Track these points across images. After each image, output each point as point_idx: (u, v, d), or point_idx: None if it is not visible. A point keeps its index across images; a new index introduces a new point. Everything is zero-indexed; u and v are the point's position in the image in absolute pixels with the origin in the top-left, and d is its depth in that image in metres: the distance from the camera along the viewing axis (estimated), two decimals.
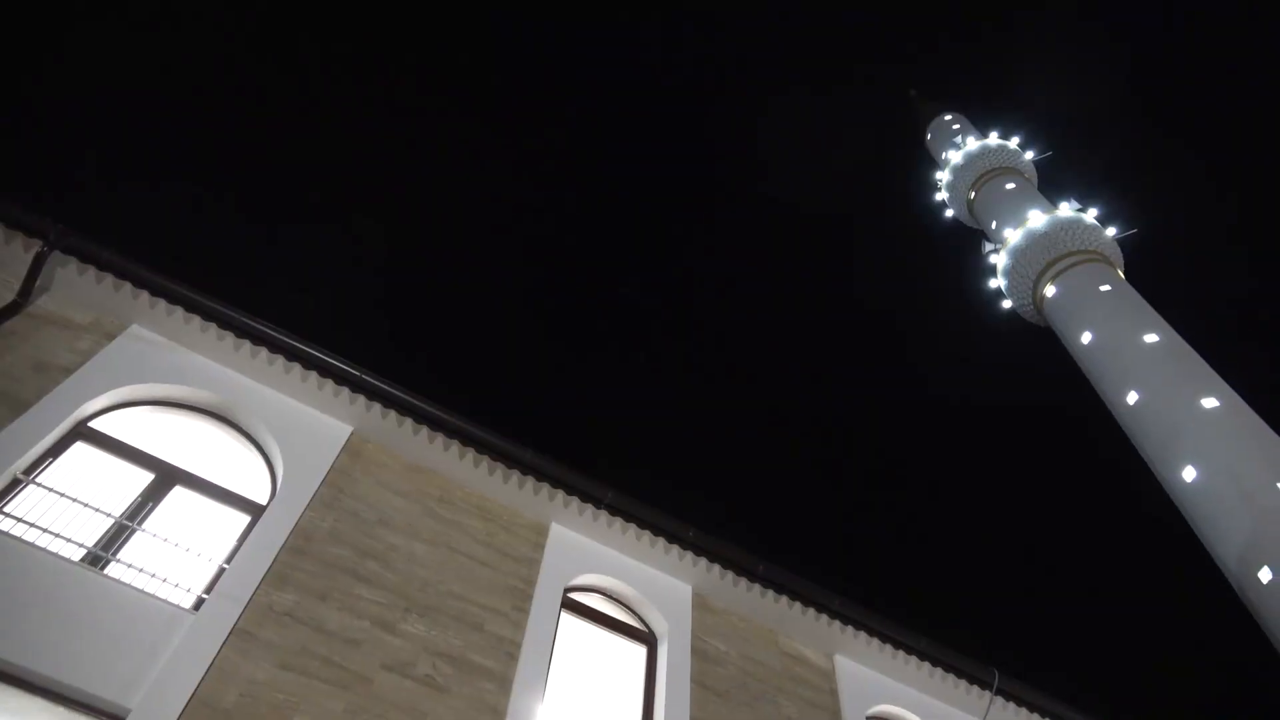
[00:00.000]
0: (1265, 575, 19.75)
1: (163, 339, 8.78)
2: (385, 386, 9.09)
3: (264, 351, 8.90)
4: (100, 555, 7.04)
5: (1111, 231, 33.63)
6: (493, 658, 8.03)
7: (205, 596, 7.10)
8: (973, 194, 40.81)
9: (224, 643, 6.81)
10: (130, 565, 7.06)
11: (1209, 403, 23.76)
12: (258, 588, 7.30)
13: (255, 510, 8.05)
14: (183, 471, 8.01)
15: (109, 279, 8.54)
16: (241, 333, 8.81)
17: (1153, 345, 26.55)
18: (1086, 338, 28.99)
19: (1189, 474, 22.94)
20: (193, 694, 6.41)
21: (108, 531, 7.24)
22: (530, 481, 9.57)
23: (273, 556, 7.57)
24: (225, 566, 7.39)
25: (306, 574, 7.70)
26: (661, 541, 9.89)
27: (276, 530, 7.79)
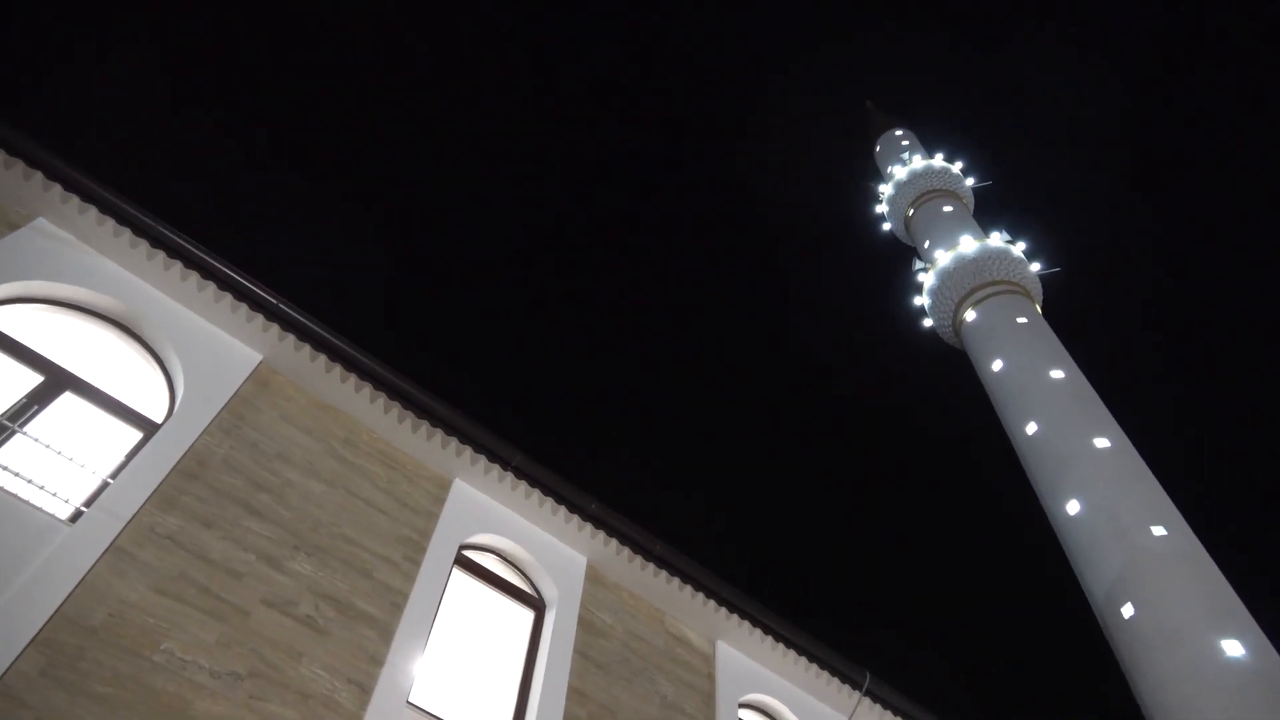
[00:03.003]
0: (1127, 611, 20.86)
1: (70, 237, 8.34)
2: (301, 318, 8.83)
3: (178, 265, 8.55)
4: None
5: (1036, 266, 34.79)
6: (378, 606, 7.94)
7: (84, 510, 6.82)
8: (911, 211, 41.68)
9: (98, 559, 6.55)
10: (5, 468, 6.73)
11: (1101, 442, 24.87)
12: (141, 507, 7.04)
13: (149, 427, 7.75)
14: (75, 377, 7.65)
15: (19, 165, 8.06)
16: (156, 242, 8.44)
17: (1057, 381, 27.61)
18: (997, 365, 29.98)
19: (1073, 507, 24.01)
20: (58, 608, 6.15)
21: None
22: (439, 434, 9.45)
23: (161, 477, 7.30)
24: (109, 481, 7.10)
25: (195, 499, 7.47)
26: (563, 510, 9.89)
27: (169, 451, 7.51)
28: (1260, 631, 19.45)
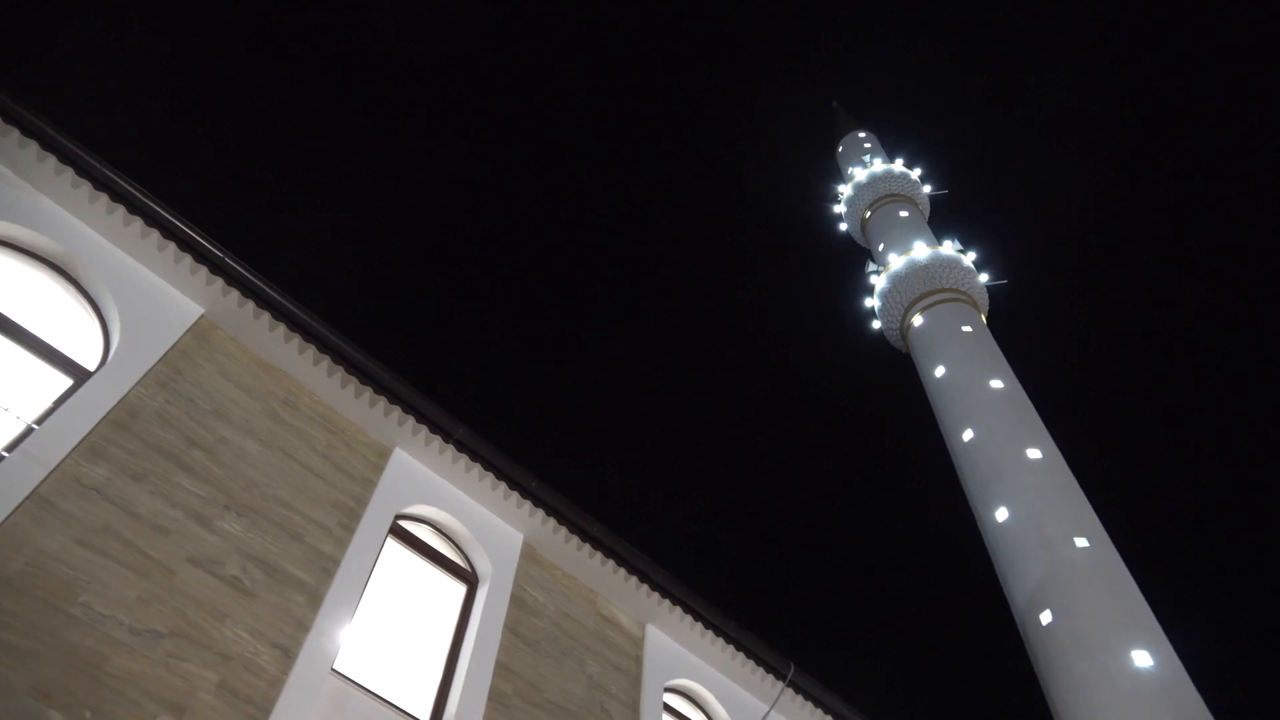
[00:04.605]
0: (1046, 618, 21.48)
1: (8, 172, 8.03)
2: (246, 272, 8.63)
3: (122, 210, 8.28)
4: None
5: (984, 277, 35.44)
6: (308, 571, 7.82)
7: (5, 455, 6.59)
8: (868, 213, 42.14)
9: (18, 506, 6.35)
10: None
11: (1033, 453, 25.51)
12: (67, 456, 6.83)
13: (80, 374, 7.51)
14: (3, 317, 7.38)
15: None
16: (100, 184, 8.15)
17: (996, 391, 28.23)
18: (940, 371, 30.53)
19: (1001, 514, 24.61)
20: None
21: None
22: (382, 402, 9.32)
23: (90, 426, 7.09)
24: (34, 427, 6.87)
25: (125, 451, 7.27)
26: (503, 486, 9.85)
27: (100, 400, 7.29)
28: (1169, 645, 20.20)
